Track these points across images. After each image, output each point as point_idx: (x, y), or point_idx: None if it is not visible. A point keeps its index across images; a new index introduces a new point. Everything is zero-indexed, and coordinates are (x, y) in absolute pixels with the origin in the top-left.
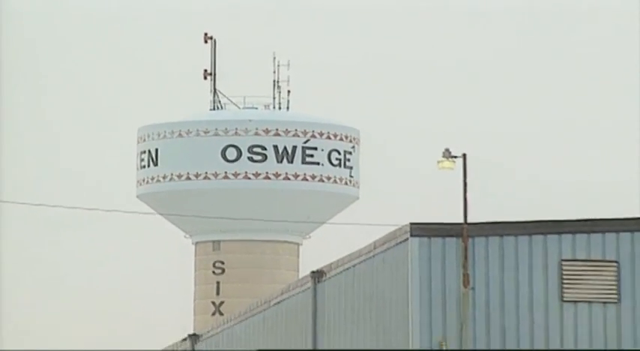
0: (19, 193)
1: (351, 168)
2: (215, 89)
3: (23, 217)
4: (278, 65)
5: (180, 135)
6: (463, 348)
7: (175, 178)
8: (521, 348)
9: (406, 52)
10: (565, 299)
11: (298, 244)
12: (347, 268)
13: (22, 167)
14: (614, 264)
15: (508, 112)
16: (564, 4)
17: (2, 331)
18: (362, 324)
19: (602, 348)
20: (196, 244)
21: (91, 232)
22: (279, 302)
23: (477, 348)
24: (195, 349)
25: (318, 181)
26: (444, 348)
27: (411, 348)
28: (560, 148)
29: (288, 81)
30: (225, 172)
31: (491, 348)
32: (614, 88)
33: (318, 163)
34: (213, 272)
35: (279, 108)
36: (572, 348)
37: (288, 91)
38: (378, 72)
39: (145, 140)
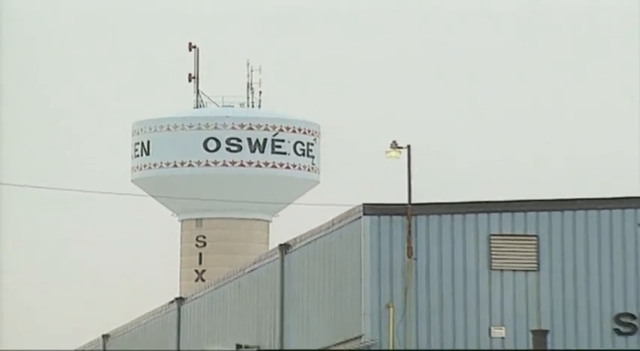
0: (31, 180)
1: (313, 157)
2: (198, 90)
3: (35, 199)
4: (251, 70)
5: (168, 129)
6: (407, 309)
7: (164, 165)
8: (456, 308)
9: (359, 56)
10: (493, 268)
11: (268, 222)
12: (309, 242)
13: (32, 159)
14: (534, 238)
15: (450, 105)
16: None
17: (3, 303)
18: (322, 289)
19: (524, 308)
20: (182, 221)
21: (93, 210)
22: (252, 270)
23: (419, 308)
24: (181, 310)
25: (285, 168)
26: (391, 308)
27: (362, 308)
28: (492, 138)
29: (260, 83)
30: (207, 161)
31: (431, 307)
32: (537, 74)
33: (285, 153)
34: (196, 245)
35: (252, 106)
36: (499, 308)
37: (260, 92)
38: (336, 74)
39: (138, 133)
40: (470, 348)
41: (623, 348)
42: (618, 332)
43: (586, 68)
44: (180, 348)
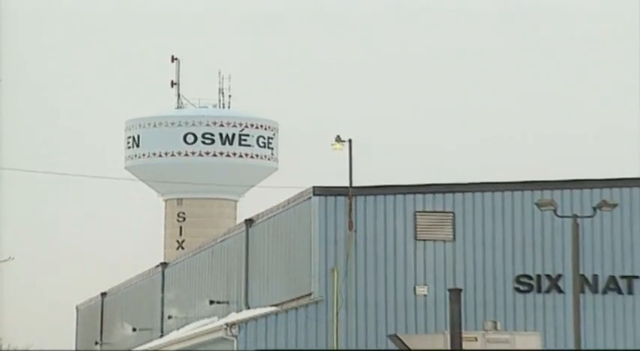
0: (44, 168)
1: (272, 148)
2: (179, 94)
3: (47, 184)
4: (222, 78)
5: (154, 125)
6: (348, 272)
7: (151, 155)
8: (387, 271)
9: (312, 64)
10: (418, 238)
11: (236, 201)
12: (269, 217)
13: (45, 154)
14: (451, 214)
15: (385, 104)
16: None
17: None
18: (279, 256)
19: (443, 271)
20: (166, 200)
21: (95, 192)
22: (222, 241)
23: (358, 271)
24: (165, 272)
25: (250, 157)
26: (335, 271)
27: (312, 271)
28: (419, 131)
29: (229, 88)
30: (186, 151)
31: (368, 271)
32: (455, 70)
33: (249, 145)
34: (177, 220)
35: (223, 107)
36: (422, 271)
37: (229, 96)
38: (292, 80)
39: (130, 129)
40: (399, 303)
41: (522, 303)
42: (518, 290)
43: (497, 56)
44: (165, 303)
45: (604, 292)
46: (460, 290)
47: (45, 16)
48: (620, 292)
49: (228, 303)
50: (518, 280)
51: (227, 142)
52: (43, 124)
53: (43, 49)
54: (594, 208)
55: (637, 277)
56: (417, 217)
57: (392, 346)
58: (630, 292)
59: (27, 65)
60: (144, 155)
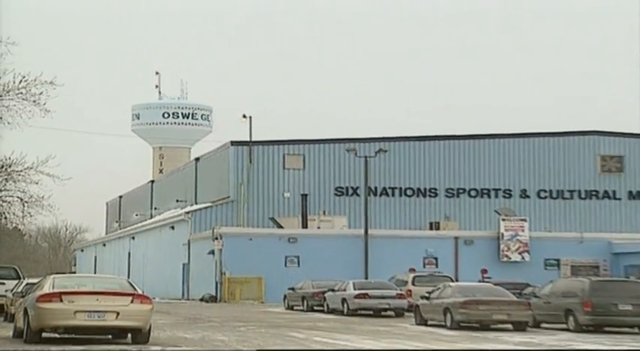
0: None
1: (209, 120)
2: (160, 91)
3: (84, 141)
4: (182, 83)
5: (147, 108)
6: (249, 186)
7: (145, 124)
8: (270, 184)
9: (230, 68)
10: (285, 168)
11: (190, 148)
12: (208, 157)
13: (94, 124)
14: (302, 155)
15: (298, 83)
16: None
17: None
18: (213, 176)
19: (297, 184)
20: (153, 148)
21: (116, 144)
22: (183, 169)
23: (254, 185)
24: (153, 186)
25: (197, 126)
26: (242, 185)
27: (229, 185)
28: (299, 104)
29: (187, 88)
30: (164, 122)
31: (259, 185)
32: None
33: (197, 119)
34: (159, 158)
35: (184, 99)
36: (288, 184)
37: (187, 93)
38: (218, 82)
39: (134, 109)
40: (275, 201)
41: (339, 201)
42: (336, 195)
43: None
44: (152, 201)
45: (380, 195)
46: (307, 195)
47: (74, 32)
48: (387, 195)
49: (186, 201)
50: (337, 189)
51: (185, 117)
52: (81, 109)
53: (72, 57)
54: (376, 152)
55: (396, 187)
56: (285, 156)
57: (271, 223)
58: (393, 195)
59: (49, 68)
60: (142, 124)
